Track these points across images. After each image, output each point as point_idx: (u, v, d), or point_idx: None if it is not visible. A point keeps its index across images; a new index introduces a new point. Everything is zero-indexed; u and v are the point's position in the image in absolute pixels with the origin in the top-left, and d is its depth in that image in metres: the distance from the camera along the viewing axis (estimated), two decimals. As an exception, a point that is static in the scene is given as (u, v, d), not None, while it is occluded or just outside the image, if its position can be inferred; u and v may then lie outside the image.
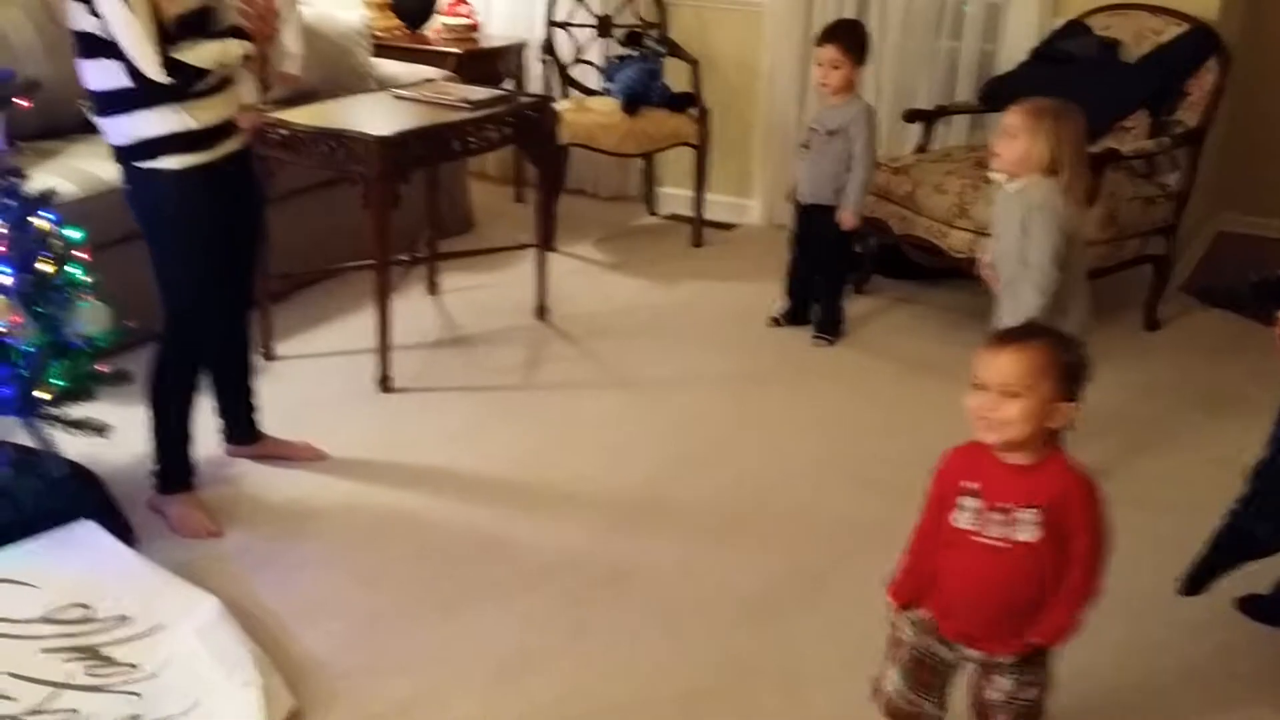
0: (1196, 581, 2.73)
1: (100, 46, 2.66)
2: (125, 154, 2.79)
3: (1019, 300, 3.11)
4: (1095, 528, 2.06)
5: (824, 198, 4.20)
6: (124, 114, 2.74)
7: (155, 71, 2.64)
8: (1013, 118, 3.08)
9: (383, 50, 5.30)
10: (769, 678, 2.57)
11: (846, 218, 4.14)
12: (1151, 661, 2.64)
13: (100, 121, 2.80)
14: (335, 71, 4.71)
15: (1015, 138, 3.06)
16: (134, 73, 2.66)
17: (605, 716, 2.44)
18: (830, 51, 4.10)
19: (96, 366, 2.90)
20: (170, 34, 2.64)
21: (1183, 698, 2.53)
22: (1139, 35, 4.48)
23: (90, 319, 2.82)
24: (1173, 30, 4.39)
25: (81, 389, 2.88)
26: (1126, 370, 4.13)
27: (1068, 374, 2.00)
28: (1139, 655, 2.66)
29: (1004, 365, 1.98)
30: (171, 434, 3.03)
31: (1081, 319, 3.18)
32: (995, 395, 1.98)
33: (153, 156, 2.76)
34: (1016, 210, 3.12)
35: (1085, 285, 3.21)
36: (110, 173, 3.74)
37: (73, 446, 2.95)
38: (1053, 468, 2.04)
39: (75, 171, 3.75)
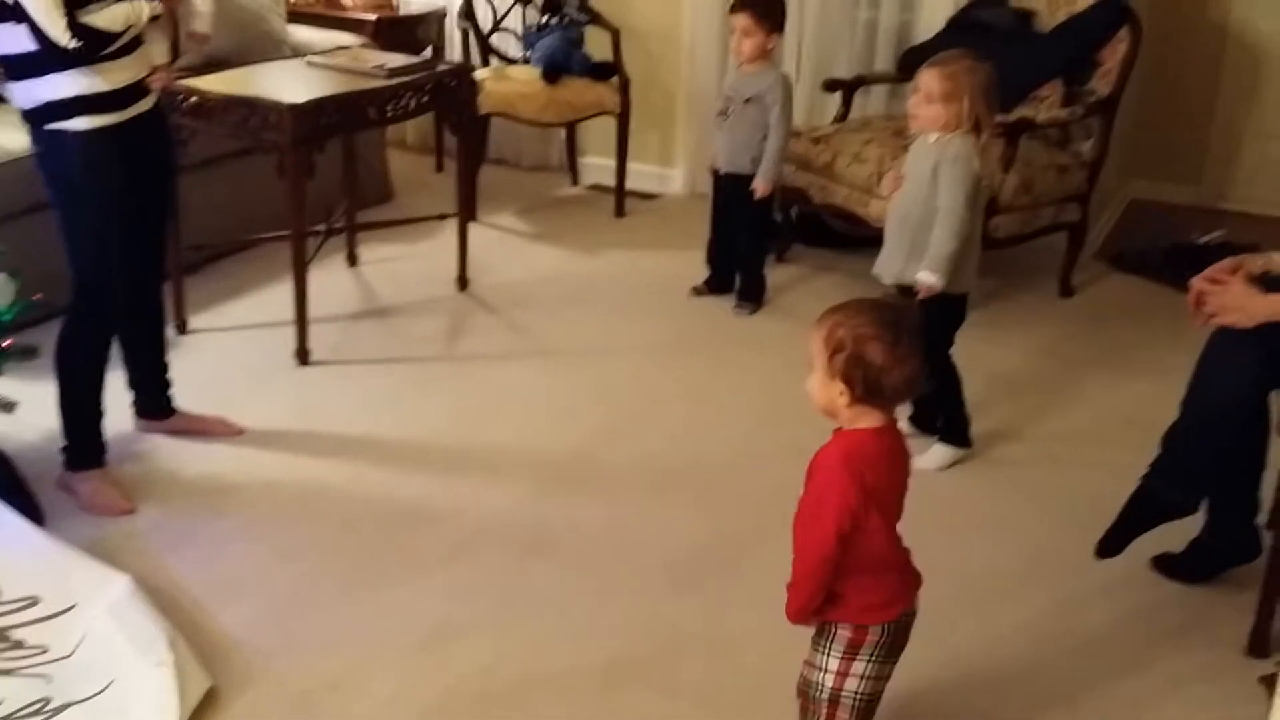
0: (1113, 544, 2.78)
1: (6, 11, 2.62)
2: (34, 116, 2.75)
3: (933, 244, 3.14)
4: (805, 501, 2.00)
5: (741, 167, 4.19)
6: (33, 78, 2.70)
7: (62, 37, 2.60)
8: (930, 81, 3.08)
9: (297, 17, 5.20)
10: (695, 645, 2.57)
11: (760, 186, 4.14)
12: (1073, 622, 2.68)
13: (9, 86, 2.76)
14: (248, 38, 4.61)
15: (932, 102, 3.08)
16: (41, 37, 2.62)
17: (531, 686, 2.42)
18: (743, 19, 4.07)
19: (1, 342, 2.81)
20: None
21: (1104, 657, 2.58)
22: (1053, 5, 4.52)
23: (-7, 293, 2.73)
24: (1085, 0, 4.44)
25: (-15, 365, 2.79)
26: (1041, 335, 4.19)
27: (841, 353, 1.90)
28: (1060, 618, 2.70)
29: (810, 334, 1.97)
30: (81, 408, 2.96)
31: (964, 281, 3.23)
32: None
33: (62, 118, 2.72)
34: (930, 158, 3.15)
35: (976, 246, 3.25)
36: (13, 143, 3.67)
37: (-23, 424, 2.87)
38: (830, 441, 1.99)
39: (-24, 141, 3.64)
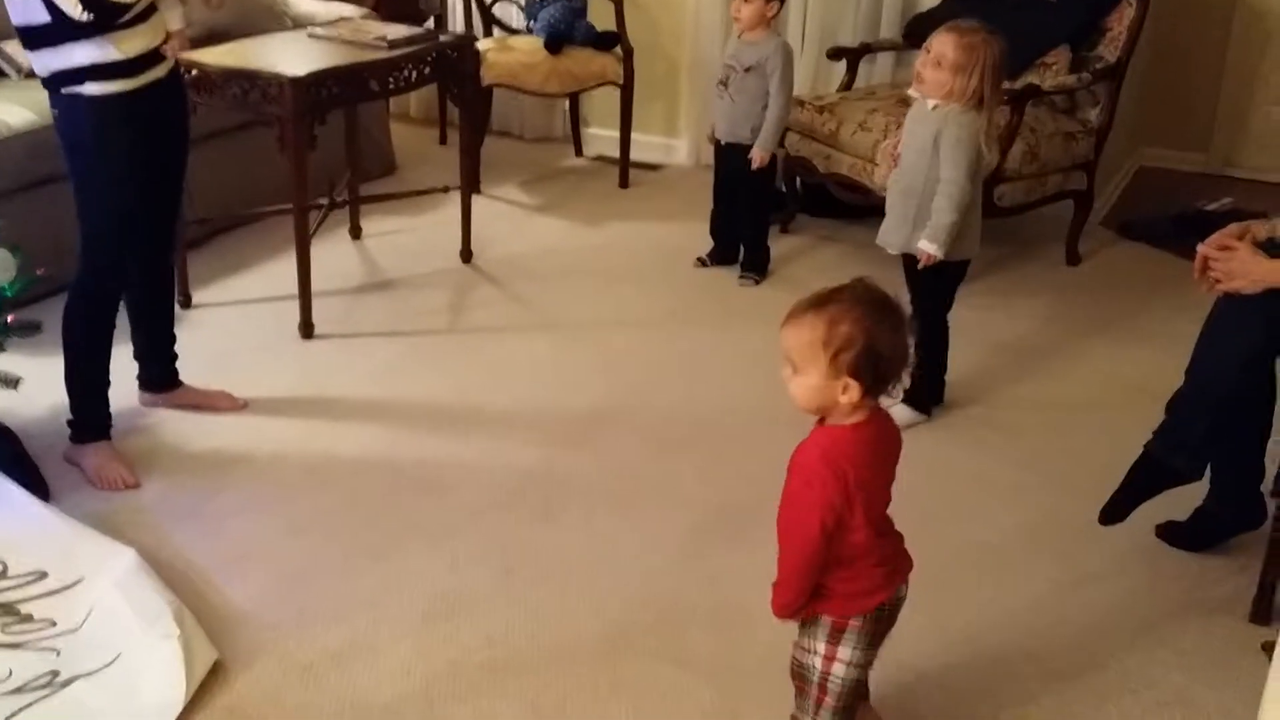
0: (1117, 511, 2.77)
1: None
2: (50, 82, 2.76)
3: (934, 214, 3.14)
4: (786, 498, 1.94)
5: (741, 136, 4.17)
6: (49, 47, 2.70)
7: (74, 10, 2.61)
8: (944, 46, 3.05)
9: (299, -11, 5.17)
10: (699, 616, 2.57)
11: (758, 155, 4.12)
12: (1077, 591, 2.68)
13: (28, 54, 2.77)
14: (249, 11, 4.59)
15: (942, 67, 3.05)
16: (53, 9, 2.62)
17: (536, 657, 2.43)
18: None
19: (3, 317, 2.82)
20: None
21: (1108, 626, 2.57)
22: (1061, -30, 4.48)
23: (-4, 268, 2.73)
24: (1093, -35, 4.40)
25: (-11, 340, 2.80)
26: (1047, 303, 4.18)
27: (850, 349, 1.82)
28: (1065, 587, 2.70)
29: (786, 335, 1.89)
30: (87, 379, 2.97)
31: (967, 246, 3.25)
32: (787, 365, 1.89)
33: (76, 83, 2.73)
34: (931, 127, 3.13)
35: (976, 213, 3.25)
36: (15, 118, 3.68)
37: (-18, 399, 2.88)
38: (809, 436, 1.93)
39: (-22, 117, 3.63)
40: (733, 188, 4.30)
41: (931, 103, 3.13)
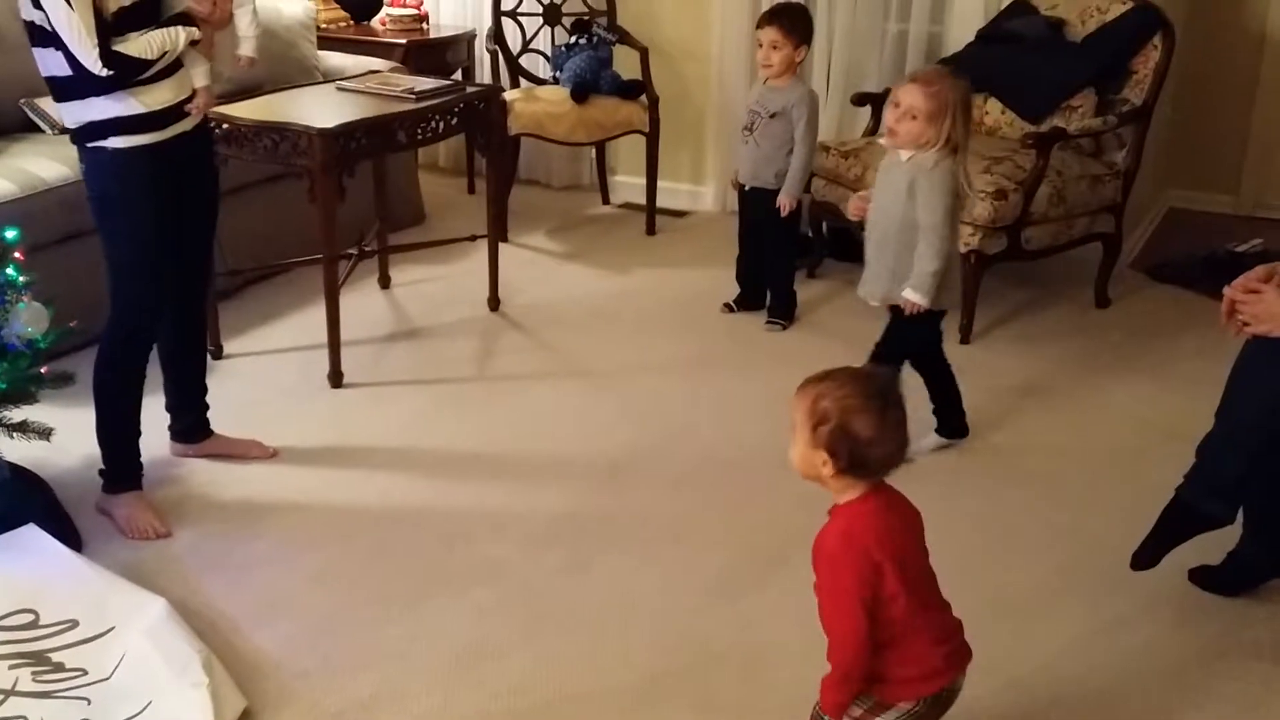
0: (1149, 556, 2.74)
1: (46, 37, 2.67)
2: (77, 135, 2.80)
3: (916, 261, 3.15)
4: (820, 592, 1.93)
5: (766, 181, 4.18)
6: (74, 100, 2.75)
7: (94, 64, 2.64)
8: (914, 99, 3.05)
9: (328, 43, 5.25)
10: (729, 662, 2.56)
11: (785, 201, 4.13)
12: (1109, 637, 2.65)
13: (59, 107, 2.82)
14: (280, 65, 4.66)
15: (914, 118, 3.05)
16: (75, 64, 2.67)
17: (564, 705, 2.42)
18: (771, 33, 4.06)
19: (37, 369, 2.85)
20: (112, 25, 2.64)
21: (1140, 671, 2.54)
22: (1084, 14, 4.49)
23: (29, 320, 2.76)
24: (1117, 8, 4.41)
25: (22, 392, 2.82)
26: (1077, 346, 4.16)
27: (826, 424, 1.88)
28: (1097, 633, 2.67)
29: (790, 402, 1.95)
30: (118, 430, 3.00)
31: (946, 295, 3.26)
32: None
33: (101, 137, 2.77)
34: (905, 176, 3.13)
35: (955, 262, 3.28)
36: (48, 172, 3.74)
37: (15, 450, 2.90)
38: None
39: (15, 171, 3.70)
40: (758, 233, 4.31)
41: (905, 154, 3.13)
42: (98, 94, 2.71)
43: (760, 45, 4.11)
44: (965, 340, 4.15)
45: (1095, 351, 4.13)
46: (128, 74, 2.70)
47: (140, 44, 2.69)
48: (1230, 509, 2.66)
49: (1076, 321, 4.37)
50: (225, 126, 3.59)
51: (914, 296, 3.17)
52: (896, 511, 1.96)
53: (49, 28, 2.63)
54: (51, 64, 2.71)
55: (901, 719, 1.96)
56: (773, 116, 4.11)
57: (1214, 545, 2.78)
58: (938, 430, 3.42)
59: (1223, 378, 2.67)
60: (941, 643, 1.96)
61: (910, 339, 3.30)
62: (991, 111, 4.56)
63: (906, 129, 3.08)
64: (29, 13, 2.67)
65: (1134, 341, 4.21)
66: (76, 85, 2.71)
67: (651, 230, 5.26)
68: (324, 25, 5.39)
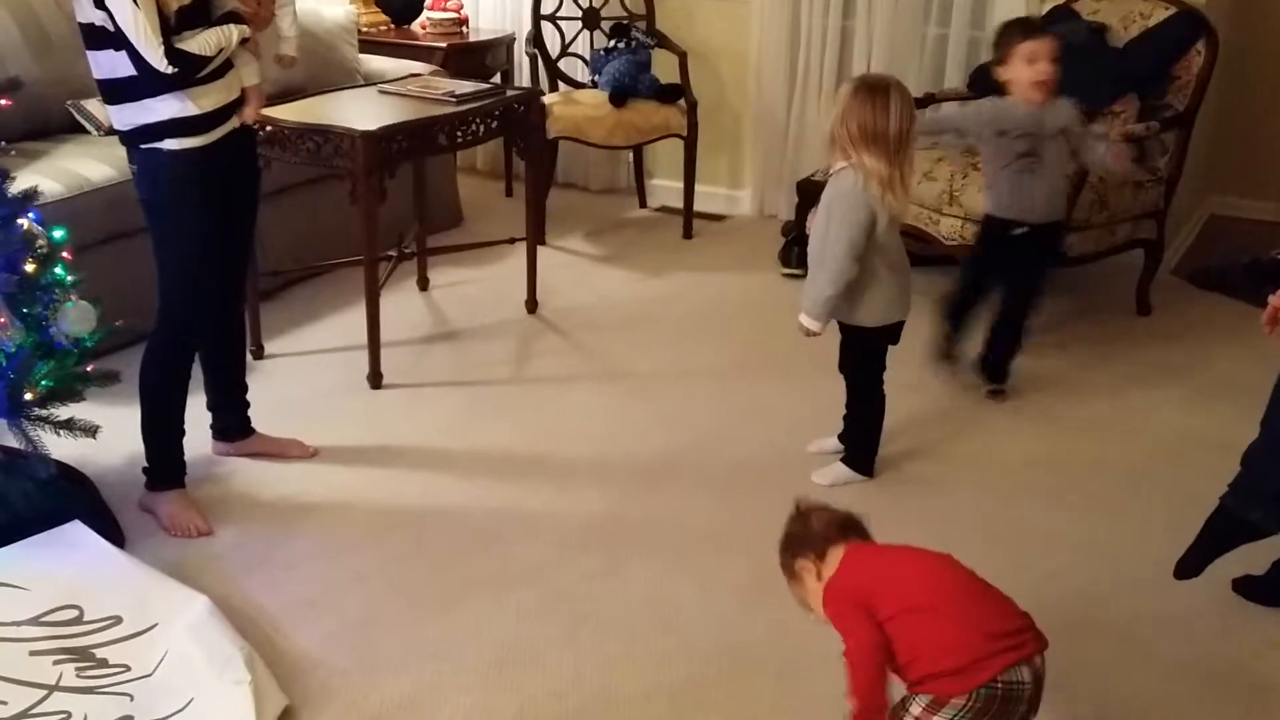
0: (1192, 565, 2.72)
1: (106, 38, 2.70)
2: (130, 138, 2.83)
3: (813, 285, 3.08)
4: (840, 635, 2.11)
5: (1059, 212, 3.71)
6: (130, 102, 2.78)
7: (160, 62, 2.67)
8: (838, 96, 3.03)
9: (369, 46, 5.28)
10: (767, 667, 2.55)
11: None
12: (1154, 645, 2.64)
13: (108, 109, 2.84)
14: (321, 68, 4.69)
15: (837, 116, 3.00)
16: (139, 62, 2.69)
17: (602, 709, 2.42)
18: (1049, 45, 3.50)
19: (83, 367, 2.88)
20: (172, 24, 2.68)
21: (1184, 680, 2.53)
22: (1127, 19, 4.46)
23: (76, 319, 2.79)
24: (1160, 13, 4.38)
25: (68, 390, 2.85)
26: (1119, 354, 4.13)
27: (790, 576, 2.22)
28: (1142, 641, 2.65)
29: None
30: (163, 428, 3.02)
31: (882, 309, 3.12)
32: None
33: (154, 139, 2.80)
34: (827, 194, 3.07)
35: (894, 275, 3.10)
36: (94, 173, 3.78)
37: (61, 448, 2.93)
38: None
39: (61, 171, 3.73)
40: (1013, 275, 3.76)
41: (837, 166, 3.05)
42: (157, 94, 2.74)
43: (1035, 60, 3.48)
44: (1005, 347, 4.12)
45: (1136, 359, 4.10)
46: (189, 72, 2.74)
47: (199, 41, 2.73)
48: (1275, 519, 2.63)
49: (1118, 329, 4.34)
50: (268, 128, 3.61)
51: (804, 320, 3.10)
52: (865, 560, 2.16)
53: (111, 28, 2.66)
54: (111, 65, 2.74)
55: (960, 716, 1.95)
56: (1053, 137, 3.57)
57: (1259, 555, 2.75)
58: (844, 459, 3.31)
59: (1267, 386, 2.65)
60: (983, 631, 1.97)
61: (861, 353, 3.23)
62: (1033, 117, 4.53)
63: (834, 129, 3.02)
64: (87, 14, 2.69)
65: (1175, 349, 4.18)
66: (137, 86, 2.73)
67: (689, 234, 5.26)
68: (365, 28, 5.42)
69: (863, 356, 3.24)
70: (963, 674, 1.94)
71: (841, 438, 3.35)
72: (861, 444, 3.30)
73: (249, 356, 3.49)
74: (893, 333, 3.20)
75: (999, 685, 1.94)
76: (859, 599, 2.06)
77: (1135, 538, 3.03)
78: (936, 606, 2.01)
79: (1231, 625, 2.70)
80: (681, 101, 5.16)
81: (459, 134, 3.88)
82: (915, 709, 1.99)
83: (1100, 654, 2.60)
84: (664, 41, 5.31)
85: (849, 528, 2.20)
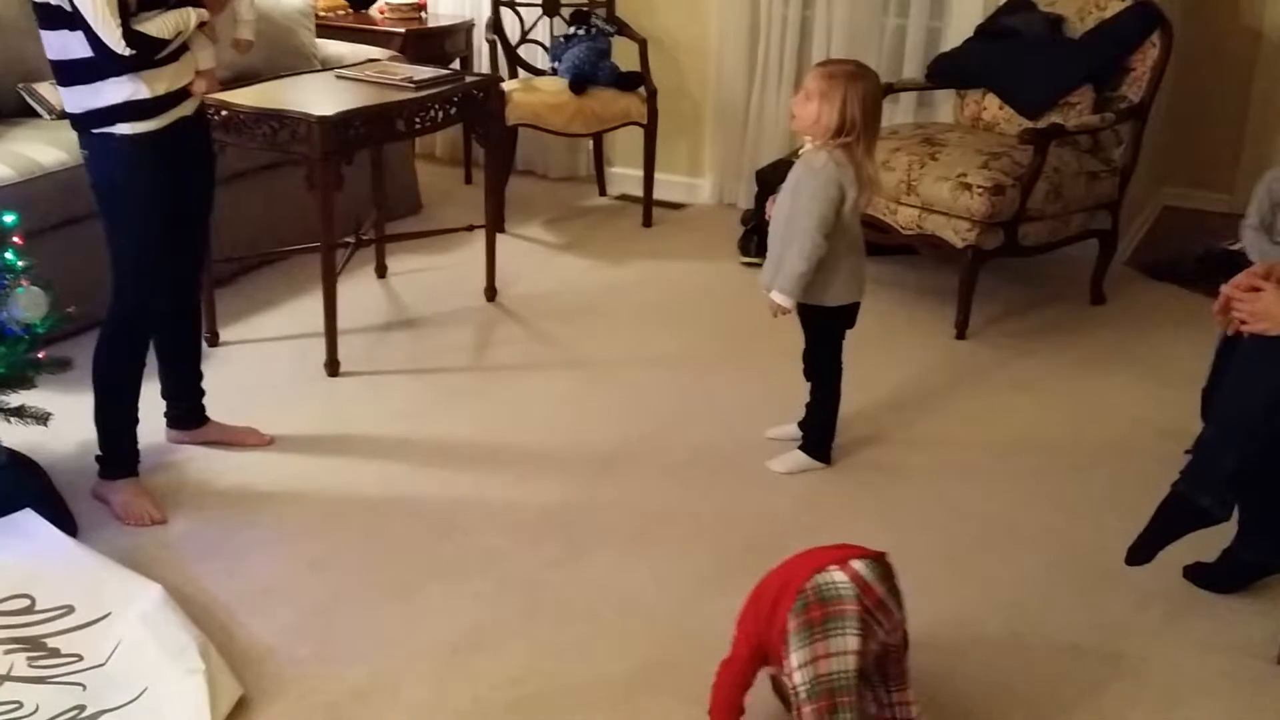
0: (1143, 552, 2.75)
1: (61, 17, 2.67)
2: (82, 121, 2.79)
3: (783, 264, 3.11)
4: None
5: None
6: (83, 84, 2.74)
7: (118, 44, 2.64)
8: (811, 80, 3.05)
9: (326, 30, 5.25)
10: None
11: None
12: (1104, 632, 2.67)
13: (60, 91, 2.81)
14: (278, 52, 4.66)
15: (810, 100, 3.03)
16: (94, 43, 2.66)
17: (559, 695, 2.43)
18: None
19: (35, 353, 2.85)
20: (131, 7, 2.65)
21: (1134, 666, 2.56)
22: (1082, 11, 4.50)
23: (27, 305, 2.76)
24: (1116, 5, 4.42)
25: (20, 376, 2.82)
26: (1074, 344, 4.17)
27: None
28: (1091, 628, 2.68)
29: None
30: (116, 416, 3.00)
31: (842, 290, 3.16)
32: None
33: (107, 123, 2.76)
34: (795, 172, 3.11)
35: (854, 256, 3.15)
36: (46, 158, 3.73)
37: (12, 435, 2.90)
38: None
39: (12, 156, 3.69)
40: None
41: (805, 147, 3.10)
42: (111, 76, 2.71)
43: None
44: (961, 336, 4.16)
45: (1090, 348, 4.14)
46: (146, 55, 2.71)
47: (157, 24, 2.70)
48: (1225, 506, 2.66)
49: (1072, 318, 4.39)
50: (223, 113, 3.58)
51: (777, 297, 3.12)
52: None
53: (68, 7, 2.63)
54: (64, 46, 2.70)
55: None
56: None
57: (1209, 543, 2.79)
58: (801, 446, 3.33)
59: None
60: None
61: (823, 336, 3.26)
62: (989, 107, 4.57)
63: (800, 110, 3.06)
64: None
65: (1129, 339, 4.22)
66: (91, 68, 2.70)
67: (648, 222, 5.27)
68: (322, 13, 5.38)
69: (822, 340, 3.26)
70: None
71: (800, 425, 3.37)
72: (819, 431, 3.32)
73: (204, 343, 3.45)
74: (850, 314, 3.23)
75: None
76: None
77: (1084, 525, 3.06)
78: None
79: (1181, 612, 2.74)
80: (641, 89, 5.15)
81: (417, 120, 3.86)
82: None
83: (1046, 638, 2.63)
84: (624, 29, 5.30)
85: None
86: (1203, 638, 2.65)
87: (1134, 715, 2.41)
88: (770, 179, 4.47)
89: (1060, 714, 2.40)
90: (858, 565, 2.09)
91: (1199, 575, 2.82)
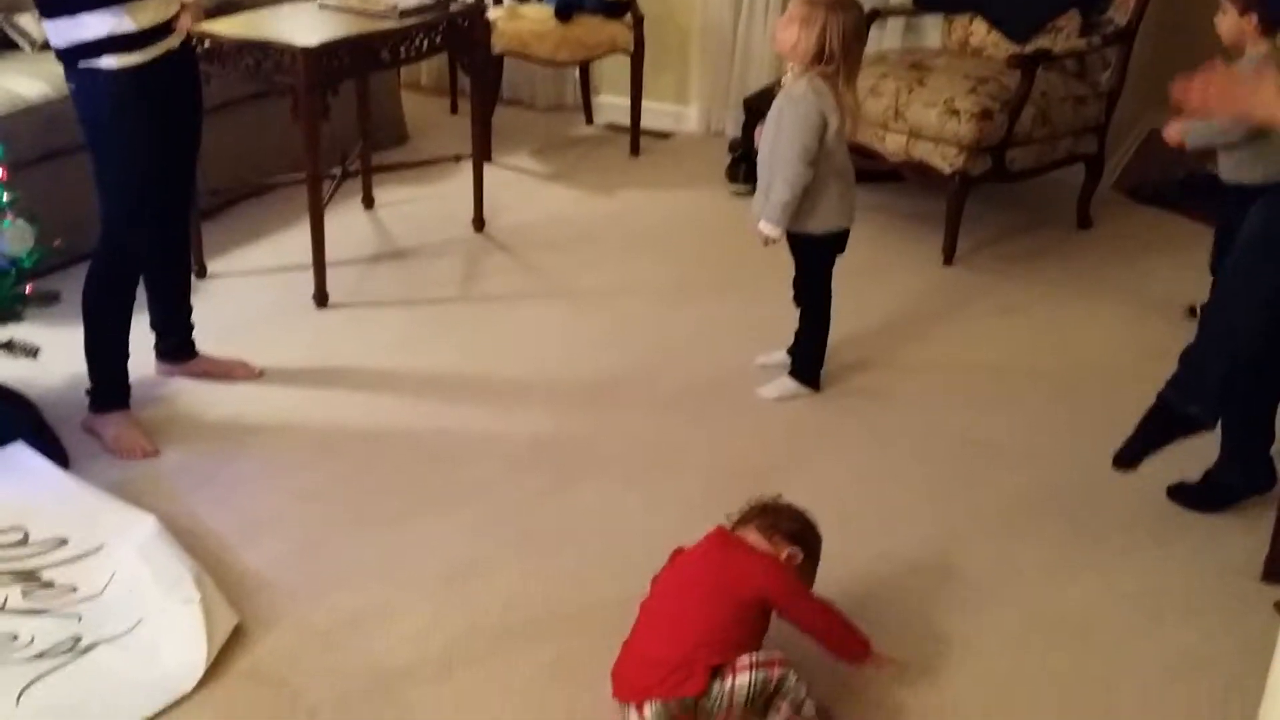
0: (1129, 455, 2.78)
1: None
2: (67, 55, 2.76)
3: (771, 191, 3.11)
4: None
5: None
6: (64, 15, 2.71)
7: None
8: (794, 3, 3.03)
9: (308, -41, 5.16)
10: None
11: None
12: (1088, 551, 2.70)
13: (43, 24, 2.78)
14: (259, -19, 4.59)
15: (791, 24, 3.02)
16: None
17: (552, 621, 2.45)
18: None
19: (22, 287, 2.84)
20: None
21: (1118, 584, 2.60)
22: (1072, -68, 4.45)
23: (13, 239, 2.76)
24: (1105, -73, 4.38)
25: (8, 310, 2.83)
26: (1059, 269, 4.18)
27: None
28: (1076, 547, 2.72)
29: None
30: (107, 349, 2.99)
31: (831, 216, 3.16)
32: None
33: (92, 57, 2.73)
34: (779, 102, 3.11)
35: (841, 183, 3.14)
36: (30, 91, 3.70)
37: (2, 369, 2.90)
38: None
39: (-6, 89, 3.65)
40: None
41: (787, 76, 3.09)
42: (92, 8, 2.67)
43: None
44: (948, 262, 4.17)
45: (1076, 272, 4.15)
46: None
47: None
48: (1210, 413, 2.67)
49: (1058, 243, 4.39)
50: (207, 44, 3.54)
51: (764, 226, 3.13)
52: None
53: None
54: None
55: None
56: None
57: (1192, 464, 2.82)
58: (791, 372, 3.35)
59: (1203, 297, 2.69)
60: (636, 652, 2.17)
61: (812, 263, 3.26)
62: (977, 32, 4.54)
63: (782, 35, 3.05)
64: None
65: (1115, 262, 4.23)
66: (69, 1, 2.67)
67: (636, 151, 5.24)
68: (303, -59, 5.29)
69: (811, 267, 3.26)
70: (614, 681, 2.17)
71: (790, 351, 3.38)
72: (808, 357, 3.33)
73: (192, 276, 3.44)
74: (840, 241, 3.23)
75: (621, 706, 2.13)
76: None
77: (1070, 447, 3.09)
78: (645, 608, 2.24)
79: (1165, 532, 2.77)
80: (628, 16, 5.10)
81: (402, 50, 3.82)
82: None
83: (1034, 558, 2.67)
84: (609, -45, 5.23)
85: (755, 517, 2.30)
86: (1188, 557, 2.69)
87: (1119, 633, 2.45)
88: (758, 106, 4.44)
89: (1048, 635, 2.44)
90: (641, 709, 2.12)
91: (1183, 495, 2.85)
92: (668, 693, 2.04)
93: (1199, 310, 3.40)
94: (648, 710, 2.05)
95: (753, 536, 2.26)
